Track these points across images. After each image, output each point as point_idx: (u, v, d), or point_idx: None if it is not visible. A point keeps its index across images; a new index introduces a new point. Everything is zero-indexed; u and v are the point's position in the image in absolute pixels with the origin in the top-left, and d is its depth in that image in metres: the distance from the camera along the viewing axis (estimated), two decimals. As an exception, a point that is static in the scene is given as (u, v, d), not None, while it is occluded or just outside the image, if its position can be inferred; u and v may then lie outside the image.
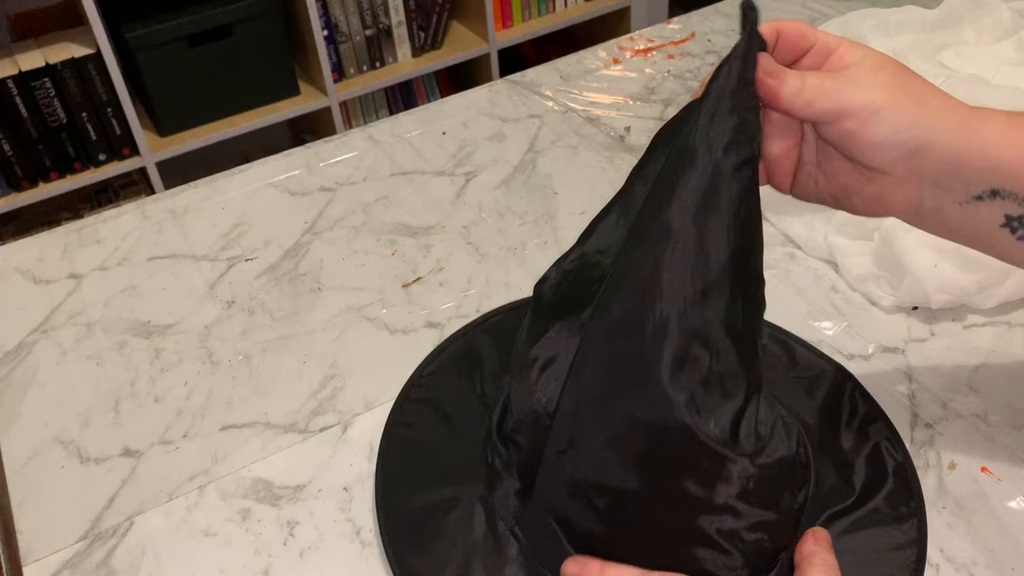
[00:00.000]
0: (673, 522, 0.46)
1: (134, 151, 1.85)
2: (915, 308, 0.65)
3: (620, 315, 0.44)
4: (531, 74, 0.97)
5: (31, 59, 1.71)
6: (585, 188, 0.80)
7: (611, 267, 0.46)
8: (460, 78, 2.27)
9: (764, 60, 0.43)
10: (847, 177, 0.46)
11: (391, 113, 2.20)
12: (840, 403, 0.58)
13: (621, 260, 0.45)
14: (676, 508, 0.46)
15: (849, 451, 0.55)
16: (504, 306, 0.68)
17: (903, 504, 0.52)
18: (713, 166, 0.43)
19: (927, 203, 0.45)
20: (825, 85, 0.43)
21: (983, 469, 0.54)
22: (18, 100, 1.71)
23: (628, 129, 0.87)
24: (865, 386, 0.59)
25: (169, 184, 1.86)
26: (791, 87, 0.43)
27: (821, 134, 0.45)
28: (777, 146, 0.48)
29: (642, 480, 0.46)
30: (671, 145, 0.46)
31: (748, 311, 0.44)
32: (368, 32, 2.02)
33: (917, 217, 0.46)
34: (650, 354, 0.43)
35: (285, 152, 0.88)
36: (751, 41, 0.43)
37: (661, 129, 0.49)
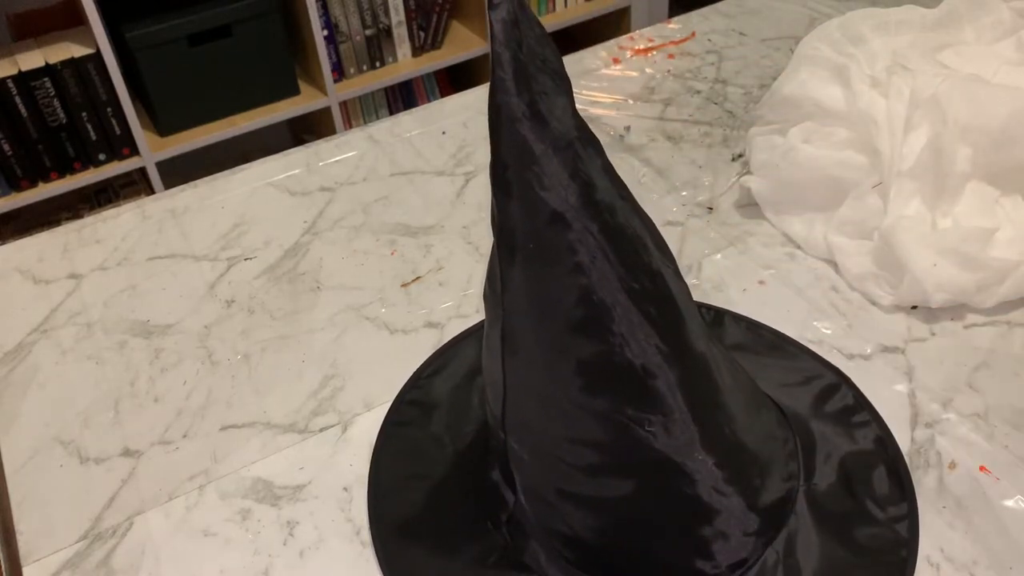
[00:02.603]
0: (647, 519, 0.47)
1: (134, 151, 1.85)
2: (914, 307, 0.65)
3: (524, 350, 0.45)
4: (531, 74, 0.97)
5: (31, 59, 1.71)
6: (585, 188, 0.80)
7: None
8: (460, 78, 2.27)
9: None
10: None
11: (391, 113, 2.20)
12: (835, 405, 0.58)
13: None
14: (646, 506, 0.46)
15: (844, 453, 0.55)
16: None
17: (895, 504, 0.52)
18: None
19: None
20: None
21: (981, 468, 0.54)
22: (18, 100, 1.71)
23: (628, 128, 0.87)
24: (865, 385, 0.59)
25: (169, 184, 1.86)
26: None
27: None
28: None
29: (615, 487, 0.46)
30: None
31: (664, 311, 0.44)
32: (368, 32, 2.02)
33: None
34: (563, 378, 0.44)
35: (285, 152, 0.88)
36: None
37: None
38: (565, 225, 0.41)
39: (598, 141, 0.44)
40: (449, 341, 0.66)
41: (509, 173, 0.42)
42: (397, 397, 0.62)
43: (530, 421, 0.47)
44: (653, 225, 0.46)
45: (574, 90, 0.43)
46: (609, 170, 0.44)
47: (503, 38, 0.40)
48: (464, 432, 0.58)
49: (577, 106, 0.43)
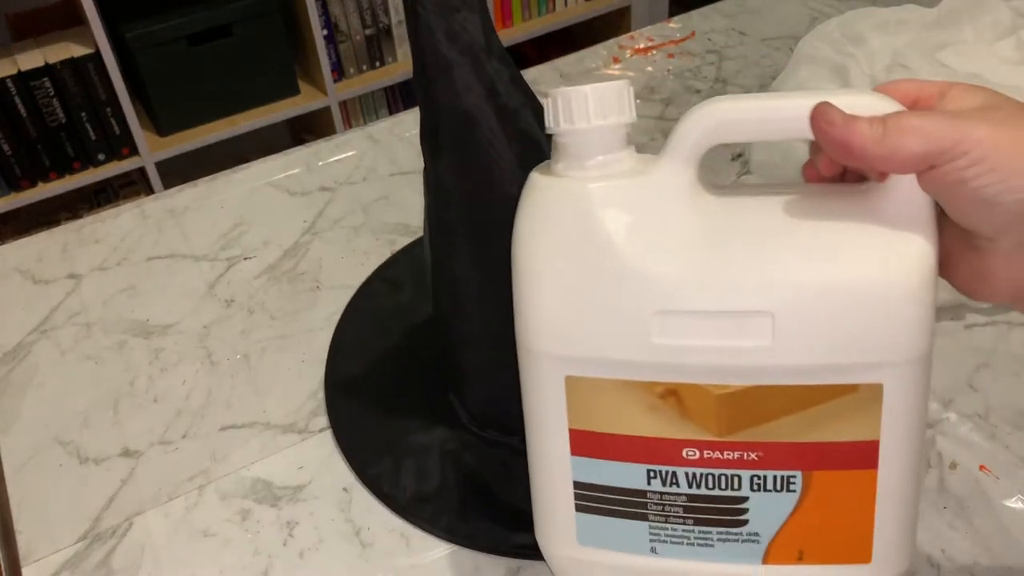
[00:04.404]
0: None
1: (133, 151, 1.85)
2: (915, 307, 0.65)
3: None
4: (531, 74, 0.97)
5: (30, 59, 1.71)
6: (585, 188, 0.80)
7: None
8: (460, 78, 2.26)
9: (824, 109, 0.35)
10: (948, 241, 0.37)
11: (391, 113, 2.20)
12: None
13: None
14: None
15: None
16: None
17: None
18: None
19: None
20: (913, 123, 0.34)
21: (982, 468, 0.54)
22: (17, 100, 1.71)
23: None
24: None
25: (168, 184, 1.86)
26: (867, 133, 0.34)
27: (920, 186, 0.36)
28: None
29: None
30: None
31: None
32: (368, 32, 2.02)
33: None
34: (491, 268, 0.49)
35: (285, 151, 0.88)
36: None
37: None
38: (475, 124, 0.47)
39: (510, 59, 0.49)
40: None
41: (428, 74, 0.47)
42: (372, 274, 0.71)
43: (468, 308, 0.53)
44: None
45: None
46: (517, 80, 0.49)
47: None
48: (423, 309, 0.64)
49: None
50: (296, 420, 0.62)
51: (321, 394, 0.63)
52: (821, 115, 0.35)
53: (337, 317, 0.69)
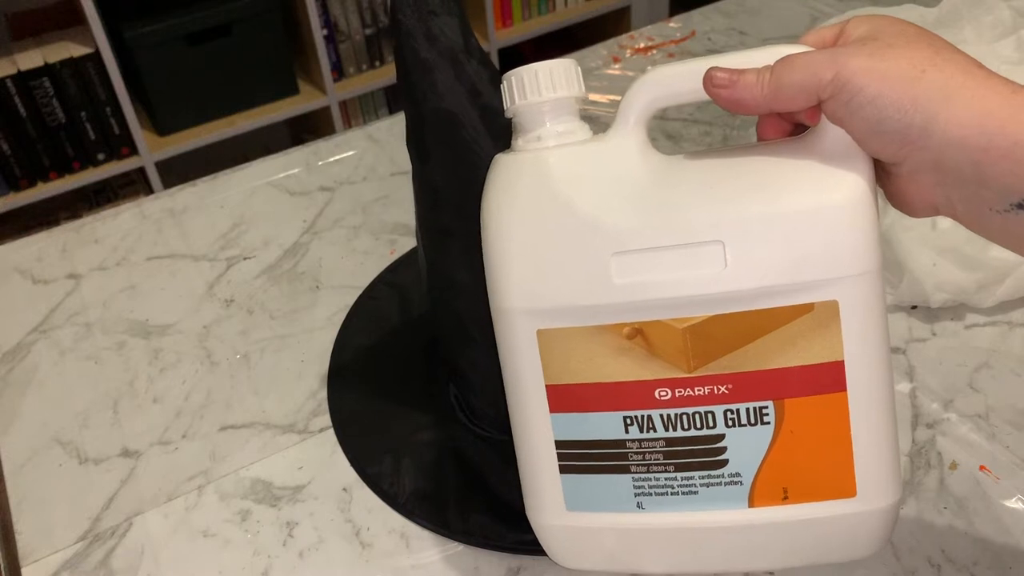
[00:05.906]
0: None
1: (133, 151, 1.85)
2: (915, 307, 0.65)
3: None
4: (530, 73, 0.97)
5: (30, 58, 1.71)
6: (585, 187, 0.80)
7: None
8: (459, 77, 2.26)
9: (711, 73, 0.38)
10: (876, 168, 0.39)
11: (391, 112, 2.20)
12: None
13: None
14: None
15: None
16: None
17: None
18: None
19: (961, 207, 0.36)
20: (795, 61, 0.36)
21: (982, 468, 0.54)
22: (17, 100, 1.71)
23: (628, 128, 0.87)
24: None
25: (168, 184, 1.86)
26: (754, 82, 0.37)
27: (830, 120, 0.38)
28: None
29: None
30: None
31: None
32: (368, 31, 2.02)
33: (959, 220, 0.37)
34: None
35: (284, 151, 0.88)
36: None
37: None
38: (459, 125, 0.48)
39: (490, 61, 0.50)
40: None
41: (411, 77, 0.48)
42: (375, 279, 0.72)
43: (464, 309, 0.53)
44: None
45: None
46: (497, 80, 0.49)
47: None
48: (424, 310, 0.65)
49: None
50: (296, 420, 0.61)
51: (321, 394, 0.63)
52: (709, 80, 0.38)
53: (337, 317, 0.69)
